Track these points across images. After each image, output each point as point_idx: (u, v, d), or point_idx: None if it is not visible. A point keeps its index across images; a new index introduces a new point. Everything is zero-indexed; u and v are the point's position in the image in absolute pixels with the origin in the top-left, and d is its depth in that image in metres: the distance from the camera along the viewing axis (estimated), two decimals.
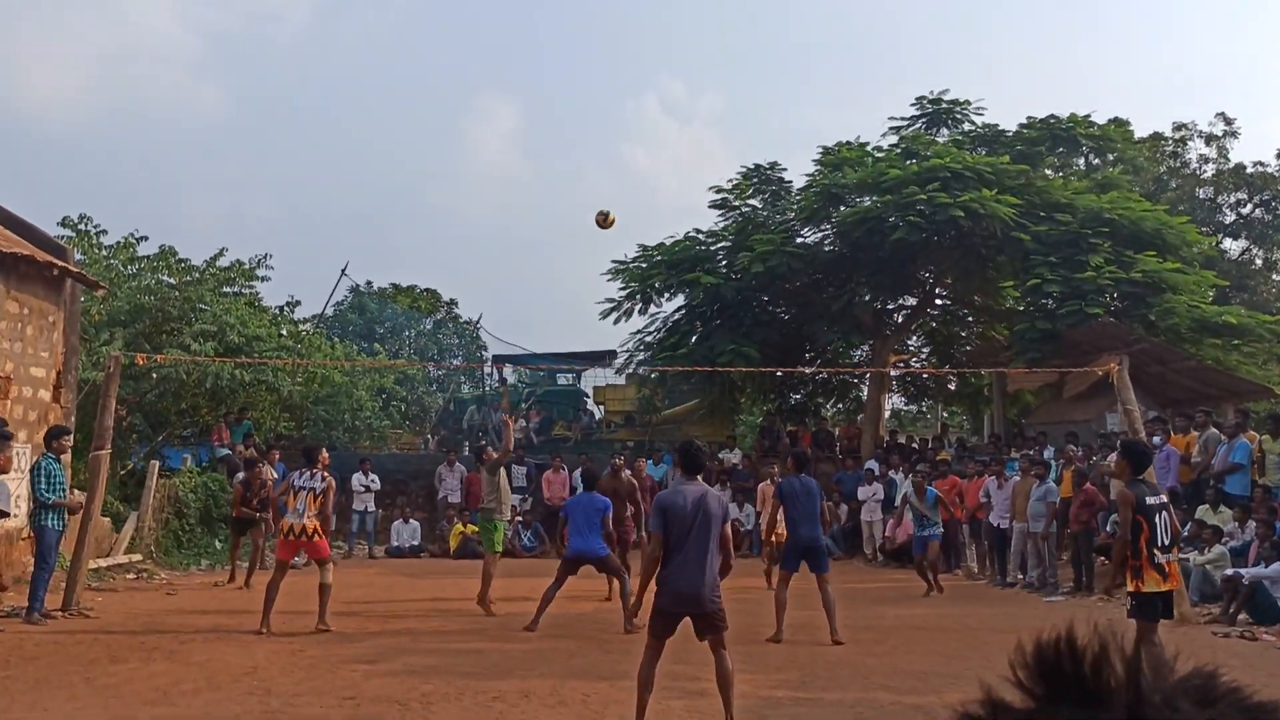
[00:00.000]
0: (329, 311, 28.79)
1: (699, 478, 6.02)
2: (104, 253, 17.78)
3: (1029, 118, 20.57)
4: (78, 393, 13.05)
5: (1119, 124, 22.00)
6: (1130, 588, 6.84)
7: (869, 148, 20.25)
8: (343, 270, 25.64)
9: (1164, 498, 7.00)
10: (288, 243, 60.69)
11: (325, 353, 19.26)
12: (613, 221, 12.19)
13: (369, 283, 37.23)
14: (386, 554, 17.37)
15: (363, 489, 17.38)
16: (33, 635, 8.82)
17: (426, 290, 38.15)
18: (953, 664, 7.93)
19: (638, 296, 20.21)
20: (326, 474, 9.55)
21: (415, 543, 17.64)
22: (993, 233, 17.13)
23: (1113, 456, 14.37)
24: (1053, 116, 20.34)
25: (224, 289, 18.02)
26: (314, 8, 66.61)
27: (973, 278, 19.72)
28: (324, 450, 9.95)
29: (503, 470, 10.98)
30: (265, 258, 18.46)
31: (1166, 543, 6.75)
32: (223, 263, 18.12)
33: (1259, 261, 28.59)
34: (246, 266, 18.38)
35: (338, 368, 18.70)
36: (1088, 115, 20.57)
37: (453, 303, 37.84)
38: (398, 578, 14.01)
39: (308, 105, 63.38)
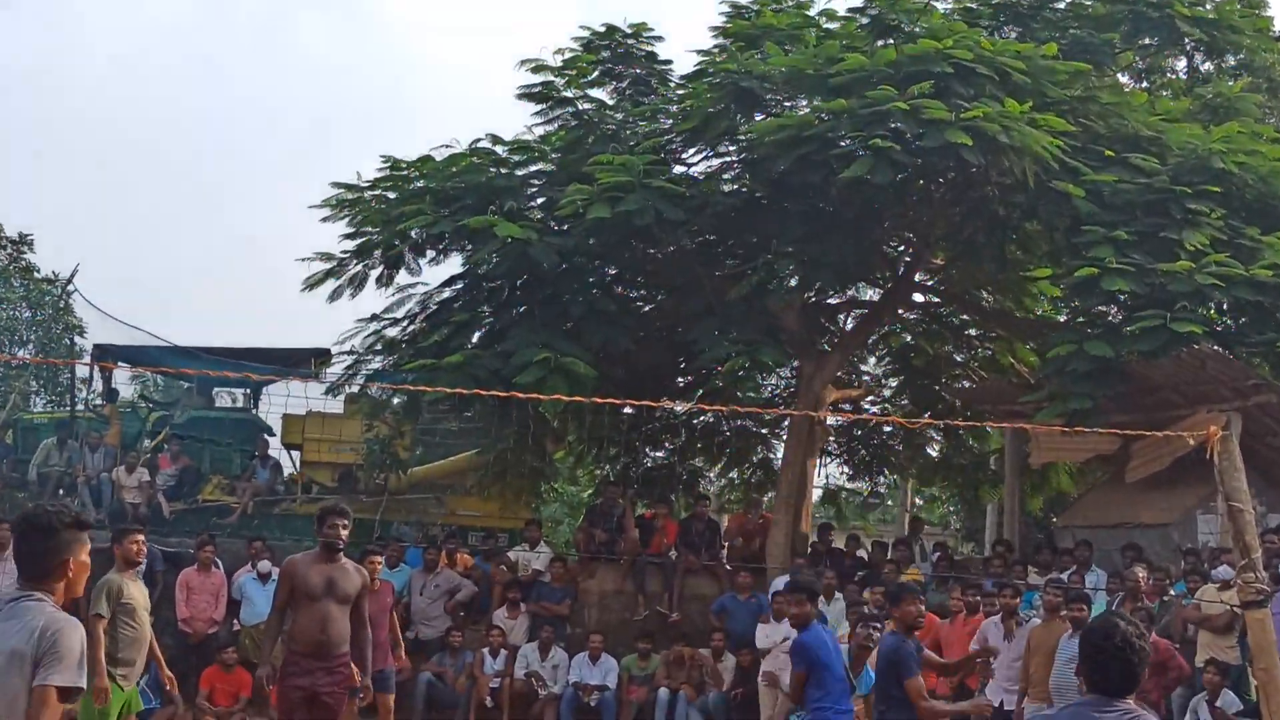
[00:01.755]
0: None
1: None
2: None
3: None
4: None
5: (1251, 3, 22.50)
6: None
7: (813, 10, 20.45)
8: None
9: None
10: None
11: None
12: None
13: None
14: None
15: None
16: None
17: None
18: None
19: (376, 254, 20.24)
20: None
21: None
22: (1020, 179, 17.02)
23: (1207, 592, 14.51)
24: None
25: None
26: None
27: (981, 258, 19.99)
28: None
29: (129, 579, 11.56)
30: None
31: None
32: None
33: None
34: None
35: None
36: None
37: (24, 241, 36.58)
38: None
39: None
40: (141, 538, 12.12)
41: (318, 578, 10.78)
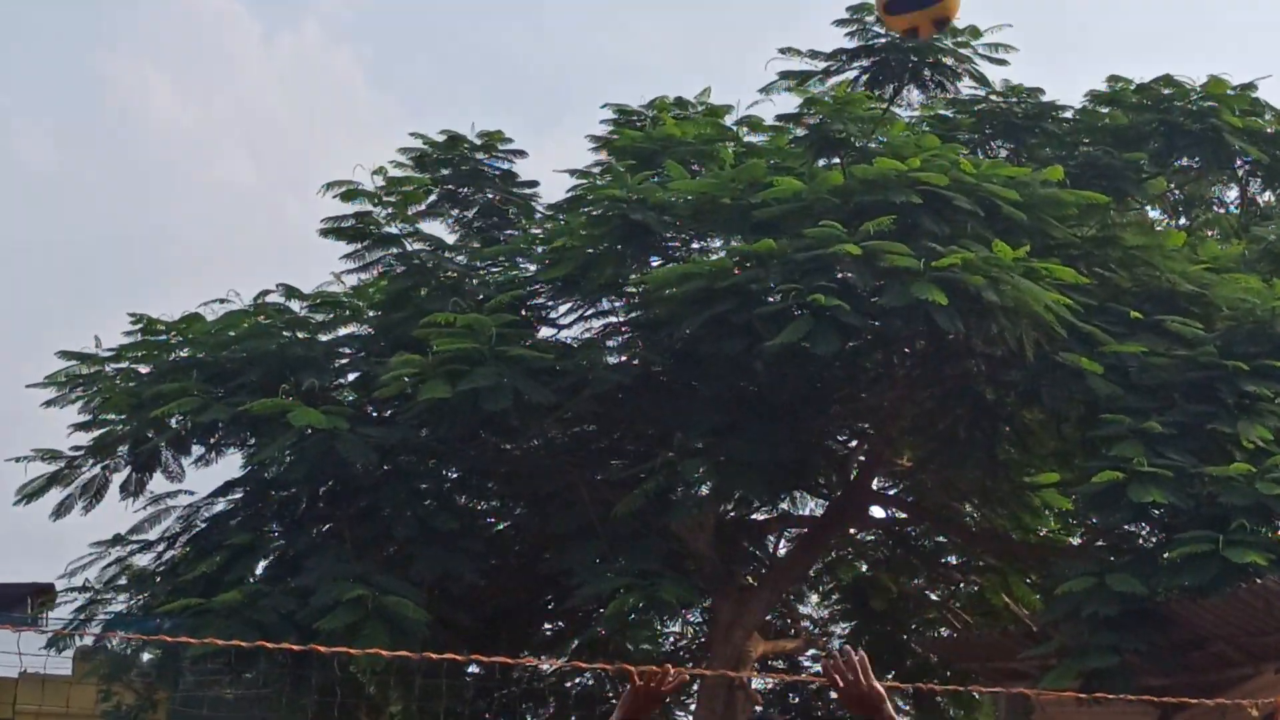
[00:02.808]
0: None
1: None
2: None
3: (1114, 80, 21.31)
4: None
5: None
6: None
7: (727, 118, 21.04)
8: None
9: None
10: None
11: None
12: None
13: None
14: None
15: None
16: None
17: None
18: None
19: (122, 451, 20.24)
20: None
21: None
22: (1014, 350, 17.19)
23: None
24: (1169, 82, 21.06)
25: None
26: None
27: (962, 457, 20.12)
28: None
29: None
30: None
31: None
32: None
33: None
34: None
35: None
36: (1250, 86, 21.32)
37: None
38: None
39: None
40: None
41: None
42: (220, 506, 20.34)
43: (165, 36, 73.67)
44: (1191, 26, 65.72)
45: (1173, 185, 22.79)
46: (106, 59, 70.99)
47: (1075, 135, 20.61)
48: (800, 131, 20.24)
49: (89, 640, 21.29)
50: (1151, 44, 68.83)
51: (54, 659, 21.65)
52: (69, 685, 22.64)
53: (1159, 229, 20.80)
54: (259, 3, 74.64)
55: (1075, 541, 20.81)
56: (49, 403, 20.10)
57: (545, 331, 19.98)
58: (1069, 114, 21.03)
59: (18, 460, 19.95)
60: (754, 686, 21.40)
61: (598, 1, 73.20)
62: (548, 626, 22.82)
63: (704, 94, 21.18)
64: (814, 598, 24.19)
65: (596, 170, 20.67)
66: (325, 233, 20.74)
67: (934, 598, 23.74)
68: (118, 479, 20.04)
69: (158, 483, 20.21)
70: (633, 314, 19.85)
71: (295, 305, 20.41)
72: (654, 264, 19.04)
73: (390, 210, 20.73)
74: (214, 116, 72.14)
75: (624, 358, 20.06)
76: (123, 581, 20.31)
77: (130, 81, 70.92)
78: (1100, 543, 18.88)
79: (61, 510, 20.05)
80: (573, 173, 20.83)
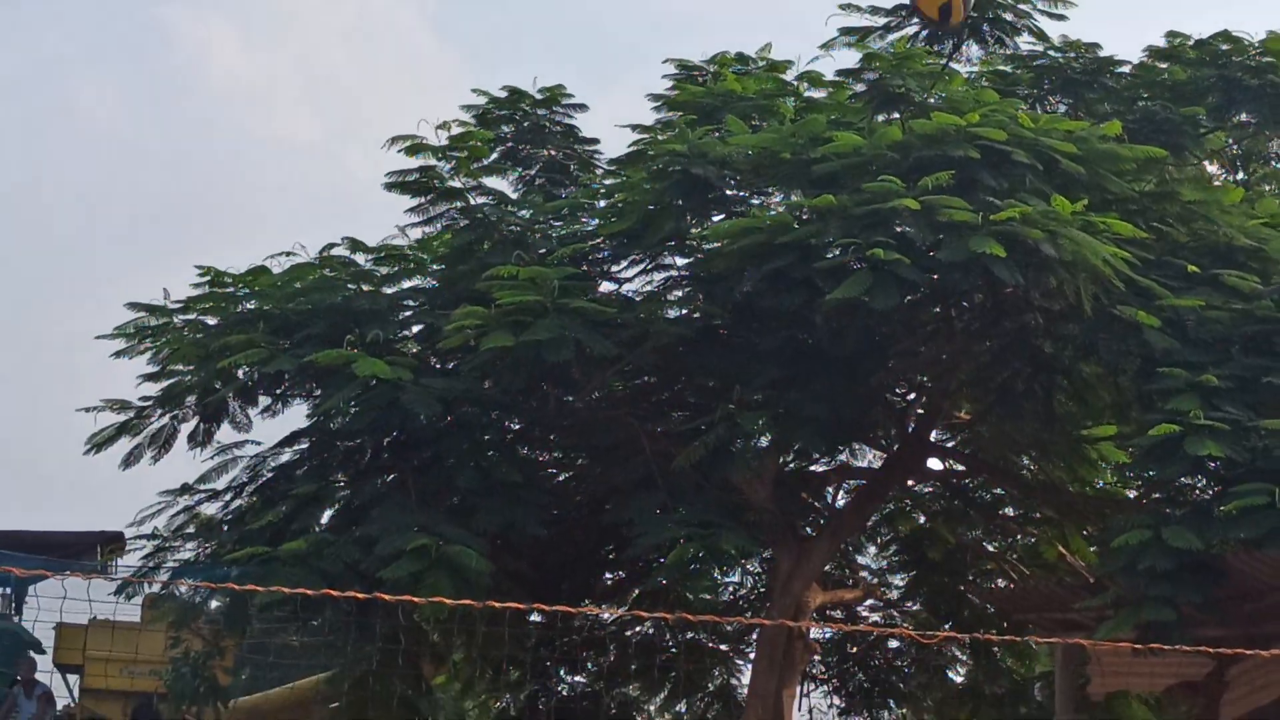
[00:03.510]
0: None
1: None
2: None
3: (1172, 35, 21.33)
4: None
5: None
6: None
7: (788, 73, 20.98)
8: None
9: None
10: None
11: None
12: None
13: None
14: None
15: None
16: None
17: None
18: None
19: (190, 401, 20.29)
20: None
21: None
22: (1074, 303, 17.15)
23: None
24: (1227, 38, 21.08)
25: None
26: None
27: (1019, 410, 20.12)
28: None
29: None
30: None
31: None
32: None
33: None
34: None
35: None
36: None
37: None
38: None
39: None
40: None
41: None
42: (286, 456, 20.50)
43: None
44: None
45: (1230, 140, 22.69)
46: (171, 11, 71.60)
47: (1133, 90, 20.59)
48: (860, 87, 20.26)
49: (157, 588, 21.35)
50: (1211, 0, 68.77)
51: (123, 606, 22.52)
52: (138, 632, 23.03)
53: (1216, 184, 20.74)
54: None
55: (1131, 494, 20.77)
56: (118, 353, 20.26)
57: (606, 285, 20.02)
58: (1127, 69, 21.00)
59: (88, 410, 20.16)
60: (813, 636, 21.63)
61: None
62: (608, 576, 22.89)
63: (765, 49, 21.15)
64: (872, 549, 24.22)
65: (658, 125, 20.64)
66: (389, 187, 20.68)
67: (991, 549, 23.74)
68: (185, 429, 20.24)
69: (225, 433, 20.38)
70: (693, 268, 19.80)
71: (360, 258, 20.50)
72: (714, 218, 18.98)
73: (454, 165, 20.63)
74: (276, 70, 72.55)
75: (684, 311, 20.12)
76: (190, 530, 20.52)
77: (195, 34, 71.39)
78: (1156, 495, 18.81)
79: (130, 460, 20.21)
80: (634, 128, 20.82)
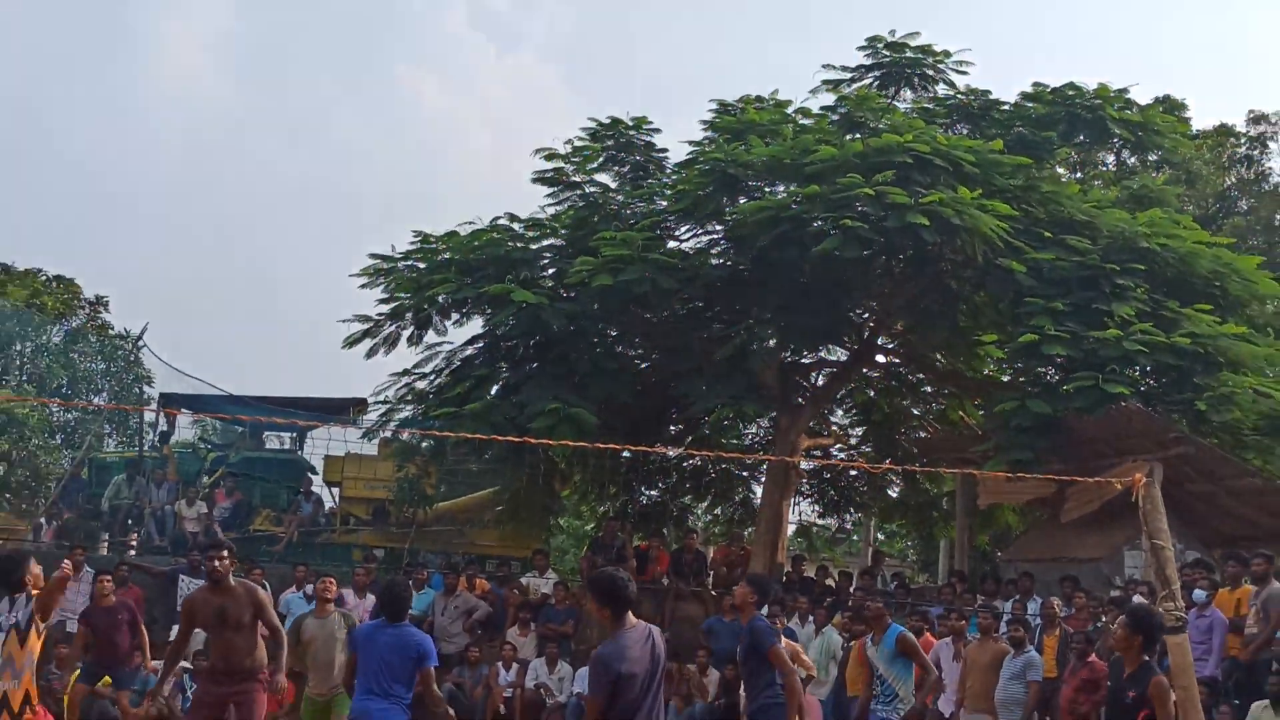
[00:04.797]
0: None
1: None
2: None
3: (1036, 86, 20.94)
4: None
5: (1170, 107, 23.06)
6: None
7: (790, 109, 20.68)
8: None
9: None
10: None
11: None
12: None
13: None
14: None
15: None
16: None
17: (58, 280, 37.76)
18: None
19: (408, 316, 20.20)
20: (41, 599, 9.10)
21: None
22: (970, 256, 17.10)
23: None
24: (1072, 87, 20.68)
25: None
26: None
27: (935, 325, 20.01)
28: (30, 563, 9.42)
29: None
30: None
31: None
32: None
33: None
34: None
35: None
36: (1124, 90, 21.00)
37: (100, 303, 37.80)
38: None
39: None
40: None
41: (208, 609, 10.45)
42: (468, 352, 20.46)
43: (435, 51, 74.48)
44: (1090, 41, 64.59)
45: (1072, 153, 22.59)
46: (401, 69, 71.92)
47: (1010, 120, 20.36)
48: (835, 117, 20.10)
49: (388, 433, 21.56)
50: (1064, 55, 67.87)
51: (366, 445, 22.98)
52: (375, 462, 23.16)
53: (1063, 181, 20.59)
54: (494, 32, 75.69)
55: (1006, 379, 20.69)
56: (363, 285, 20.26)
57: (671, 244, 19.85)
58: (1006, 106, 20.78)
59: (343, 321, 20.30)
60: (802, 467, 21.72)
61: (707, 36, 73.13)
62: (672, 428, 22.73)
63: (774, 94, 20.99)
64: (839, 412, 24.07)
65: (705, 141, 20.40)
66: (535, 180, 20.74)
67: (915, 413, 23.68)
68: (405, 334, 20.20)
69: (430, 337, 20.40)
70: (727, 233, 19.63)
71: (516, 226, 20.42)
72: (741, 201, 18.83)
73: (575, 166, 20.75)
74: (466, 106, 72.83)
75: (721, 261, 19.96)
76: (408, 398, 20.54)
77: (412, 81, 71.61)
78: (1022, 380, 18.87)
79: (370, 353, 20.25)
80: (690, 143, 20.53)
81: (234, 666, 10.32)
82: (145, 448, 25.21)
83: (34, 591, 9.06)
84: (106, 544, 20.84)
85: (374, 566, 19.00)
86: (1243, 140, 29.24)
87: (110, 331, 34.96)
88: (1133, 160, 24.14)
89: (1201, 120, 26.74)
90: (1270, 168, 29.35)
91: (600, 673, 7.00)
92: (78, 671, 14.94)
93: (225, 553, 10.65)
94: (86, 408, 29.86)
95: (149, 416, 26.04)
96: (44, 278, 36.80)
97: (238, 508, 22.54)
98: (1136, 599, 14.17)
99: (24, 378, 31.17)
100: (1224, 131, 29.19)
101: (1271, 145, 29.23)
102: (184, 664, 15.87)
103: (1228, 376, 16.83)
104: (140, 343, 29.20)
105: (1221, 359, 17.03)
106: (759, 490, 22.42)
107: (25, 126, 64.21)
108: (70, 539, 20.36)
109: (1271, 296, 19.28)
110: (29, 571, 9.16)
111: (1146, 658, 8.46)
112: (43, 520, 23.45)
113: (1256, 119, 29.33)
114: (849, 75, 21.33)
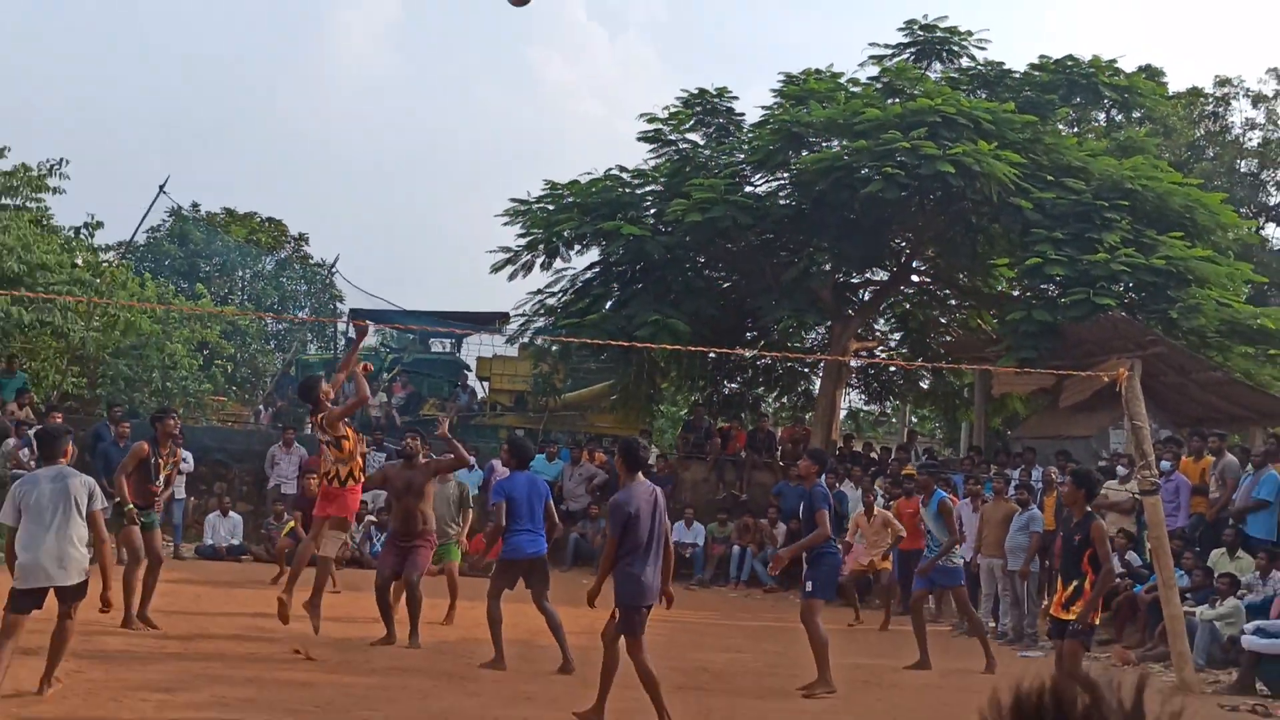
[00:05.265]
0: (140, 239, 29.08)
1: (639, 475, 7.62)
2: None
3: (1041, 58, 20.84)
4: None
5: (1151, 74, 22.66)
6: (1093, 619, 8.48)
7: (842, 79, 20.63)
8: (161, 187, 23.59)
9: None
10: (90, 147, 59.05)
11: (132, 292, 18.92)
12: None
13: (195, 205, 36.80)
14: (197, 554, 16.90)
15: None
16: None
17: (269, 220, 37.83)
18: None
19: (540, 247, 20.37)
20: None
21: (235, 542, 17.25)
22: (987, 196, 17.19)
23: (1111, 485, 14.71)
24: (1070, 59, 20.62)
25: (1, 200, 17.20)
26: None
27: (959, 251, 20.16)
28: (324, 383, 9.95)
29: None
30: (61, 164, 17.70)
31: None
32: (2, 165, 17.31)
33: None
34: (35, 174, 17.58)
35: (148, 311, 18.32)
36: (1113, 60, 20.84)
37: (302, 238, 38.31)
38: (209, 586, 13.61)
39: None
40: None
41: (400, 481, 10.41)
42: (588, 276, 20.66)
43: (559, 35, 74.58)
44: (1087, 19, 63.09)
45: (1070, 112, 22.29)
46: (529, 49, 72.24)
47: (1020, 86, 20.24)
48: (879, 85, 20.04)
49: (525, 339, 21.62)
50: (1065, 33, 66.58)
51: (510, 349, 22.99)
52: (516, 362, 23.17)
53: (1062, 135, 20.36)
54: (604, 18, 75.12)
55: (1015, 294, 20.27)
56: (506, 223, 20.47)
57: (748, 189, 19.84)
58: (1016, 75, 20.59)
59: (489, 252, 20.70)
60: (851, 364, 21.48)
61: (776, 18, 72.17)
62: (748, 334, 22.40)
63: (830, 67, 20.81)
64: (881, 321, 23.49)
65: (774, 105, 20.37)
66: (639, 139, 20.83)
67: (943, 321, 23.22)
68: (538, 261, 20.38)
69: (558, 264, 20.55)
70: (792, 179, 19.59)
71: (624, 175, 20.37)
72: (803, 154, 18.90)
73: (671, 127, 20.73)
74: (582, 79, 73.11)
75: (787, 202, 19.90)
76: (541, 312, 20.70)
77: (542, 61, 71.89)
78: (1028, 294, 18.89)
79: (512, 277, 20.49)
80: (762, 108, 20.61)
81: (410, 529, 10.24)
82: (338, 350, 25.36)
83: (325, 405, 9.58)
84: (309, 424, 21.53)
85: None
86: (1210, 100, 29.13)
87: (310, 261, 35.59)
88: (1120, 117, 23.82)
89: (1177, 83, 26.64)
90: (1232, 122, 29.27)
91: (616, 511, 7.38)
92: (290, 524, 15.08)
93: (417, 435, 11.07)
94: (293, 320, 30.49)
95: (341, 327, 26.22)
96: (259, 219, 37.04)
97: (410, 398, 22.65)
98: (1119, 468, 14.48)
99: (245, 297, 32.22)
100: (1195, 93, 28.89)
101: (1234, 104, 29.10)
102: (371, 519, 16.65)
103: (1195, 291, 17.03)
104: (334, 269, 30.38)
105: (1190, 277, 17.16)
106: (817, 383, 22.13)
107: (244, 95, 65.63)
108: (283, 421, 21.02)
109: (1232, 226, 19.31)
110: (322, 389, 9.78)
111: (1089, 509, 8.45)
112: (261, 407, 23.89)
113: (1222, 82, 29.18)
114: (890, 51, 21.27)
